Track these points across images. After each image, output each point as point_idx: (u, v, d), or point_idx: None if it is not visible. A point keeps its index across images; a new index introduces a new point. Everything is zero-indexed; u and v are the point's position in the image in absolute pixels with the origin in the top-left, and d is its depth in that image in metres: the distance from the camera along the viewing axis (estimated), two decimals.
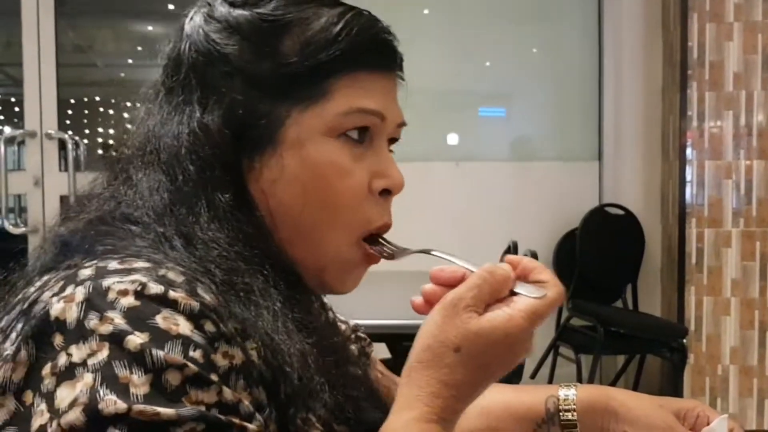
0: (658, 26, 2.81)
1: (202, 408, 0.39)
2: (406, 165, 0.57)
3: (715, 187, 2.57)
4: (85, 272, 0.43)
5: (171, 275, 0.43)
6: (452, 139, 3.02)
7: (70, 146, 2.77)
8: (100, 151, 3.01)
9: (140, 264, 0.44)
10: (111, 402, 0.37)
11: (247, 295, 0.46)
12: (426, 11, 3.02)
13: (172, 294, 0.41)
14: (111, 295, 0.41)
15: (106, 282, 0.41)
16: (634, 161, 2.86)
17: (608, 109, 2.90)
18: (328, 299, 0.63)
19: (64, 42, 2.93)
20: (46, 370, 0.39)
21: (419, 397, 0.44)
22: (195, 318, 0.41)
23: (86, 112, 3.27)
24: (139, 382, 0.38)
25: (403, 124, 0.58)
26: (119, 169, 0.53)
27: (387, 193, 0.56)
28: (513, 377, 1.26)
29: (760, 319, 2.56)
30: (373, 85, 0.54)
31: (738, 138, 2.56)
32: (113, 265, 0.43)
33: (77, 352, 0.39)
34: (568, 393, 0.67)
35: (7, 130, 3.01)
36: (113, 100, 3.22)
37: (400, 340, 1.59)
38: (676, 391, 2.48)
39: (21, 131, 2.79)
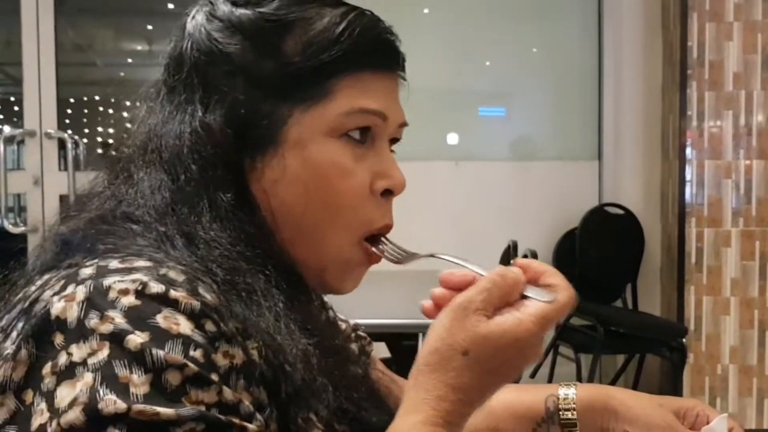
0: (657, 26, 2.81)
1: (202, 408, 0.39)
2: (406, 164, 0.57)
3: (714, 187, 2.57)
4: (86, 271, 0.43)
5: (172, 274, 0.43)
6: (452, 138, 3.02)
7: (69, 145, 2.77)
8: (99, 151, 3.01)
9: (141, 263, 0.44)
10: (111, 402, 0.37)
11: (249, 294, 0.46)
12: (426, 10, 3.02)
13: (173, 293, 0.41)
14: (112, 295, 0.41)
15: (107, 281, 0.41)
16: (633, 161, 2.86)
17: (608, 109, 2.90)
18: (328, 298, 0.63)
19: (64, 41, 2.93)
20: (47, 369, 0.39)
21: (426, 400, 0.43)
22: (196, 317, 0.41)
23: (86, 111, 3.27)
24: (139, 382, 0.38)
25: (404, 124, 0.57)
26: (120, 168, 0.53)
27: (389, 193, 0.55)
28: None
29: (759, 319, 2.56)
30: (375, 85, 0.54)
31: (738, 138, 2.56)
32: (114, 264, 0.43)
33: (77, 352, 0.39)
34: (568, 392, 0.67)
35: (7, 129, 3.01)
36: (113, 100, 3.22)
37: (399, 339, 1.59)
38: (676, 390, 2.48)
39: (20, 130, 2.79)
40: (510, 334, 0.44)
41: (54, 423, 0.37)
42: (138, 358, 0.39)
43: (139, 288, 0.41)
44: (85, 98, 3.29)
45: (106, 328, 0.39)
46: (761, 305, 2.56)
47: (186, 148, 0.50)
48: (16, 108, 3.00)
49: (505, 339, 0.44)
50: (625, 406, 0.66)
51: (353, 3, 0.55)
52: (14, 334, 0.41)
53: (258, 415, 0.42)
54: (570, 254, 2.74)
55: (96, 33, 3.25)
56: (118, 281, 0.41)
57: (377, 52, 0.54)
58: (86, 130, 3.18)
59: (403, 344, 1.59)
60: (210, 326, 0.42)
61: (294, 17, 0.52)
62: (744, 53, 2.54)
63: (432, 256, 0.53)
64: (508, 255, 2.15)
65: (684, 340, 2.50)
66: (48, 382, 0.39)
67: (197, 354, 0.40)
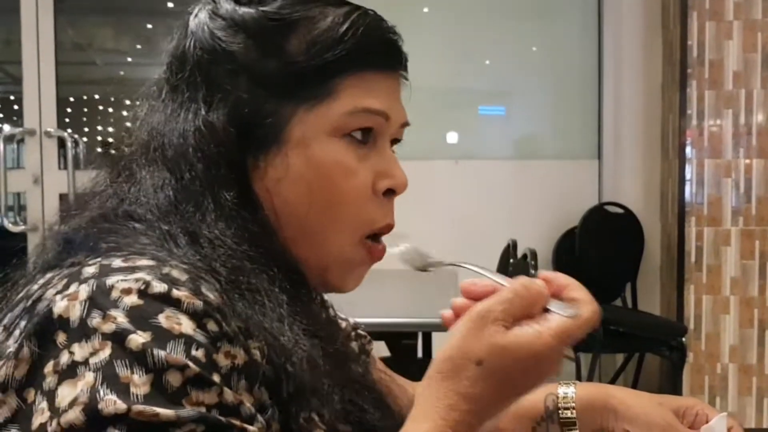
0: (657, 25, 2.81)
1: (203, 409, 0.39)
2: (406, 163, 0.57)
3: (714, 186, 2.57)
4: (89, 270, 0.43)
5: (175, 273, 0.43)
6: (452, 137, 3.02)
7: (69, 144, 2.77)
8: (99, 149, 3.01)
9: (144, 262, 0.44)
10: (111, 402, 0.37)
11: (252, 294, 0.46)
12: (426, 9, 3.02)
13: (175, 293, 0.41)
14: (114, 294, 0.41)
15: (110, 280, 0.41)
16: (633, 160, 2.86)
17: (608, 108, 2.90)
18: (327, 296, 0.63)
19: (64, 40, 2.93)
20: (49, 367, 0.39)
21: (436, 408, 0.42)
22: (198, 317, 0.41)
23: (85, 110, 3.27)
24: (139, 382, 0.38)
25: (406, 124, 0.58)
26: (122, 166, 0.52)
27: (391, 192, 0.56)
28: None
29: (759, 318, 2.56)
30: (378, 85, 0.54)
31: (737, 137, 2.56)
32: (117, 263, 0.43)
33: (79, 351, 0.39)
34: (567, 391, 0.67)
35: (7, 128, 3.00)
36: (112, 99, 3.22)
37: (399, 339, 1.60)
38: (676, 389, 2.48)
39: (20, 129, 2.79)
40: (528, 347, 0.42)
41: (54, 422, 0.37)
42: (139, 358, 0.39)
43: (142, 287, 0.41)
44: (85, 97, 3.29)
45: (109, 327, 0.39)
46: (761, 304, 2.56)
47: (189, 146, 0.50)
48: (15, 107, 3.00)
49: (522, 351, 0.42)
50: (624, 405, 0.66)
51: (355, 2, 0.55)
52: (17, 332, 0.41)
53: (259, 417, 0.41)
54: (569, 253, 2.75)
55: (96, 32, 3.25)
56: (121, 280, 0.41)
57: (381, 51, 0.54)
58: (86, 129, 3.18)
59: (402, 343, 1.60)
60: (212, 326, 0.41)
61: (298, 16, 0.52)
62: (744, 52, 2.54)
63: (456, 265, 0.52)
64: (508, 254, 2.15)
65: (683, 339, 2.50)
66: (50, 380, 0.39)
67: (199, 354, 0.40)
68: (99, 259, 0.44)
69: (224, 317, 0.42)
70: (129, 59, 3.27)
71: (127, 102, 3.03)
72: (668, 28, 2.73)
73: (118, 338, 0.39)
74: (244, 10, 0.53)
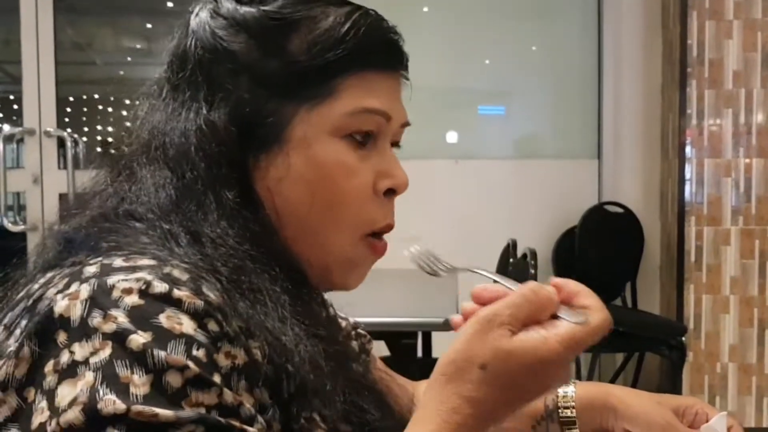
0: (657, 24, 2.81)
1: (202, 410, 0.39)
2: (406, 163, 0.57)
3: (714, 185, 2.57)
4: (90, 269, 0.43)
5: (176, 273, 0.43)
6: (452, 137, 3.02)
7: (69, 144, 2.77)
8: (98, 149, 3.01)
9: (145, 261, 0.44)
10: (110, 402, 0.37)
11: (253, 294, 0.46)
12: (425, 9, 3.02)
13: (176, 293, 0.41)
14: (115, 294, 0.41)
15: (111, 280, 0.41)
16: (633, 159, 2.86)
17: (607, 107, 2.90)
18: (328, 295, 0.63)
19: (63, 39, 2.93)
20: (49, 367, 0.39)
21: (438, 411, 0.42)
22: (199, 317, 0.41)
23: (85, 109, 3.27)
24: (139, 382, 0.38)
25: (406, 124, 0.58)
26: (122, 165, 0.52)
27: (391, 192, 0.56)
28: None
29: (759, 317, 2.56)
30: (379, 84, 0.54)
31: (737, 136, 2.56)
32: (118, 262, 0.43)
33: (80, 350, 0.39)
34: (567, 390, 0.67)
35: (6, 127, 3.00)
36: (112, 98, 3.22)
37: (399, 338, 1.60)
38: (675, 388, 2.48)
39: (20, 129, 2.78)
40: (533, 352, 0.42)
41: (53, 422, 0.37)
42: (139, 359, 0.39)
43: (143, 287, 0.41)
44: (85, 97, 3.29)
45: (109, 327, 0.39)
46: (760, 304, 2.56)
47: (191, 145, 0.50)
48: (15, 106, 3.00)
49: (527, 357, 0.41)
50: (624, 404, 0.66)
51: (355, 2, 0.55)
52: (17, 331, 0.41)
53: (259, 417, 0.41)
54: (569, 253, 2.75)
55: (95, 31, 3.25)
56: (122, 280, 0.41)
57: (382, 51, 0.54)
58: (85, 129, 3.18)
59: (402, 343, 1.59)
60: (213, 326, 0.41)
61: (299, 16, 0.52)
62: (744, 51, 2.54)
63: (470, 270, 0.52)
64: (508, 253, 2.15)
65: (683, 338, 2.50)
66: (50, 380, 0.39)
67: (200, 354, 0.40)
68: (100, 259, 0.44)
69: (225, 317, 0.42)
70: (128, 59, 3.27)
71: (127, 102, 3.03)
72: (668, 28, 2.73)
73: (118, 338, 0.39)
74: (245, 9, 0.53)
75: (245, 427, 0.40)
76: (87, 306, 0.40)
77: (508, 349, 0.42)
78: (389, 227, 0.56)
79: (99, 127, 3.23)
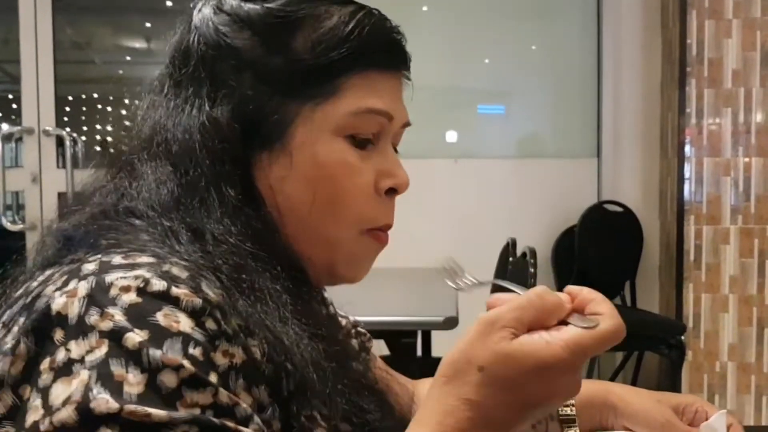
0: (657, 23, 2.81)
1: (197, 410, 0.38)
2: (406, 162, 0.57)
3: (713, 184, 2.57)
4: (89, 267, 0.43)
5: (175, 270, 0.43)
6: (451, 136, 3.02)
7: (67, 143, 2.77)
8: (98, 148, 3.01)
9: (144, 259, 0.43)
10: (103, 401, 0.37)
11: (254, 292, 0.46)
12: (425, 8, 3.02)
13: (174, 291, 0.41)
14: (113, 291, 0.40)
15: (109, 277, 0.41)
16: (632, 158, 2.86)
17: (607, 107, 2.90)
18: (328, 294, 0.63)
19: (62, 39, 2.93)
20: (45, 364, 0.39)
21: (435, 412, 0.41)
22: (196, 315, 0.41)
23: (84, 108, 3.26)
24: (134, 381, 0.38)
25: (407, 125, 0.58)
26: (123, 161, 0.52)
27: (392, 192, 0.56)
28: None
29: (758, 316, 2.56)
30: (382, 84, 0.54)
31: (736, 135, 2.56)
32: (117, 259, 0.43)
33: (76, 348, 0.39)
34: None
35: (5, 126, 3.00)
36: (111, 97, 3.22)
37: (398, 337, 1.59)
38: (675, 387, 2.48)
39: (19, 128, 2.78)
40: (534, 356, 0.40)
41: (47, 421, 0.37)
42: (135, 357, 0.38)
43: (141, 285, 0.41)
44: (84, 96, 3.29)
45: (106, 325, 0.39)
46: (760, 303, 2.56)
47: (195, 142, 0.50)
48: (14, 105, 3.00)
49: (528, 360, 0.40)
50: (624, 402, 0.67)
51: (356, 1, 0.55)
52: (15, 328, 0.41)
53: (256, 417, 0.41)
54: (569, 252, 2.75)
55: (94, 30, 3.24)
56: (120, 278, 0.41)
57: (385, 51, 0.54)
58: (84, 128, 3.17)
59: (402, 342, 1.59)
60: (211, 324, 0.41)
61: (303, 14, 0.52)
62: (743, 50, 2.54)
63: (490, 282, 0.51)
64: (507, 252, 2.15)
65: (682, 337, 2.50)
66: (45, 378, 0.38)
67: (196, 352, 0.40)
68: (99, 256, 0.44)
69: (224, 315, 0.42)
70: (128, 58, 3.27)
71: (126, 101, 3.03)
72: (667, 27, 2.73)
73: (114, 336, 0.39)
74: (249, 5, 0.53)
75: (240, 427, 0.39)
76: (84, 303, 0.40)
77: (507, 352, 0.40)
78: (388, 227, 0.56)
79: (98, 126, 3.23)
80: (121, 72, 3.34)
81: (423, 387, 0.71)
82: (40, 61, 2.76)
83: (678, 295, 2.59)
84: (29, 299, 0.43)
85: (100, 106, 3.32)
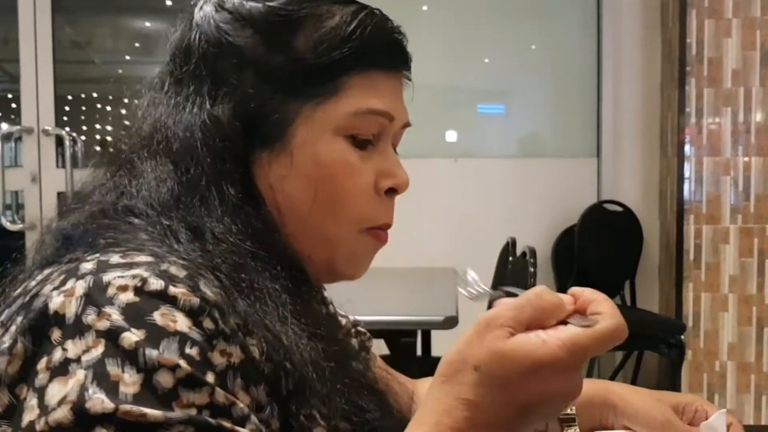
0: (656, 23, 2.81)
1: (193, 410, 0.38)
2: (405, 161, 0.57)
3: (713, 184, 2.57)
4: (87, 266, 0.43)
5: (173, 270, 0.43)
6: (451, 135, 3.02)
7: (67, 142, 2.77)
8: (97, 148, 3.01)
9: (142, 258, 0.43)
10: (98, 401, 0.37)
11: (253, 291, 0.45)
12: (425, 8, 3.02)
13: (172, 290, 0.41)
14: (111, 291, 0.40)
15: (107, 277, 0.41)
16: (632, 158, 2.87)
17: (607, 106, 2.90)
18: (328, 293, 0.63)
19: (61, 38, 2.93)
20: (41, 364, 0.39)
21: (433, 412, 0.41)
22: (194, 314, 0.41)
23: (83, 108, 3.26)
24: (130, 381, 0.38)
25: (407, 125, 0.58)
26: (123, 159, 0.52)
27: (392, 192, 0.56)
28: None
29: (757, 316, 2.56)
30: (382, 84, 0.54)
31: (736, 134, 2.56)
32: (115, 259, 0.43)
33: (73, 348, 0.39)
34: None
35: (4, 126, 3.00)
36: (110, 97, 3.21)
37: (398, 337, 1.59)
38: (674, 387, 2.48)
39: (18, 127, 2.78)
40: (529, 355, 0.39)
41: (42, 421, 0.37)
42: (131, 357, 0.38)
43: (139, 284, 0.41)
44: (83, 95, 3.29)
45: (103, 324, 0.39)
46: (759, 302, 2.56)
47: (196, 140, 0.50)
48: (13, 105, 2.99)
49: (524, 359, 0.39)
50: (624, 401, 0.66)
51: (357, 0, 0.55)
52: (13, 328, 0.41)
53: (253, 417, 0.41)
54: (569, 251, 2.75)
55: (94, 30, 3.24)
56: (118, 277, 0.41)
57: (387, 51, 0.54)
58: (84, 127, 3.17)
59: (401, 341, 1.59)
60: (208, 323, 0.41)
61: (305, 13, 0.52)
62: (743, 50, 2.54)
63: (502, 291, 0.50)
64: (507, 252, 2.15)
65: (682, 337, 2.50)
66: (42, 377, 0.38)
67: (193, 352, 0.39)
68: (97, 255, 0.44)
69: (222, 314, 0.42)
70: (127, 57, 3.27)
71: (126, 101, 3.02)
72: (667, 26, 2.73)
73: (111, 336, 0.39)
74: (251, 4, 0.53)
75: (236, 427, 0.39)
76: (82, 303, 0.40)
77: (503, 350, 0.40)
78: (387, 226, 0.56)
79: (97, 126, 3.23)
80: (120, 71, 3.34)
81: (423, 386, 0.71)
82: (39, 61, 2.76)
83: (678, 294, 2.59)
84: (27, 298, 0.42)
85: (99, 106, 3.32)
